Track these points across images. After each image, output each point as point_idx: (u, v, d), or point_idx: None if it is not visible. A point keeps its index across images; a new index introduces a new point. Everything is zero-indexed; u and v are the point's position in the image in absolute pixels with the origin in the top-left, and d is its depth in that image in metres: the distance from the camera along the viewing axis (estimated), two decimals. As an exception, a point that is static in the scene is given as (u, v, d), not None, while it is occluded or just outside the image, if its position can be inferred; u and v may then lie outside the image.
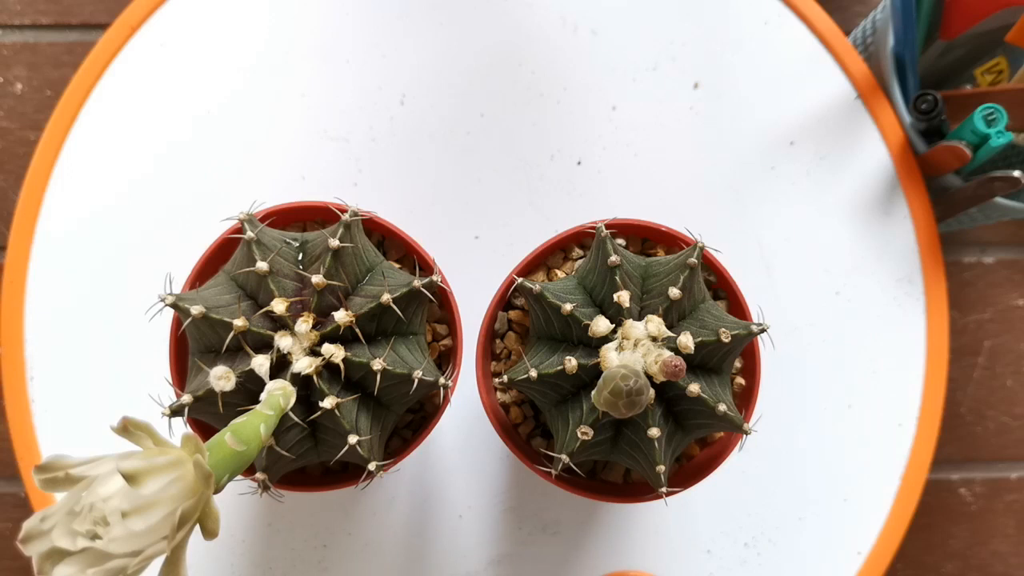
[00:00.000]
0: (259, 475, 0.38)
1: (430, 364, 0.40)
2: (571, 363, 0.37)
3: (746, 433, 0.38)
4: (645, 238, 0.47)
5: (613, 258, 0.38)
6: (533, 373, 0.38)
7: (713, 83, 0.59)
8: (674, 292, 0.38)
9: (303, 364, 0.35)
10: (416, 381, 0.37)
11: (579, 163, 0.58)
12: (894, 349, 0.57)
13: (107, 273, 0.56)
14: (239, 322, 0.35)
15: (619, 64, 0.59)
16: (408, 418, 0.45)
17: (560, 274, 0.46)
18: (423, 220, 0.58)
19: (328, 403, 0.35)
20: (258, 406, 0.33)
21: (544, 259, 0.47)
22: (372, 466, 0.38)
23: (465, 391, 0.54)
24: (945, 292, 0.57)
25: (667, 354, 0.35)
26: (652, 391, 0.36)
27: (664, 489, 0.38)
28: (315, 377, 0.36)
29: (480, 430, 0.55)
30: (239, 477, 0.31)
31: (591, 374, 0.38)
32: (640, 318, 0.38)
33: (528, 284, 0.39)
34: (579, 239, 0.47)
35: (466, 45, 0.59)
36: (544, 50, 0.59)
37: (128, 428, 0.27)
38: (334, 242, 0.37)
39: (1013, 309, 0.74)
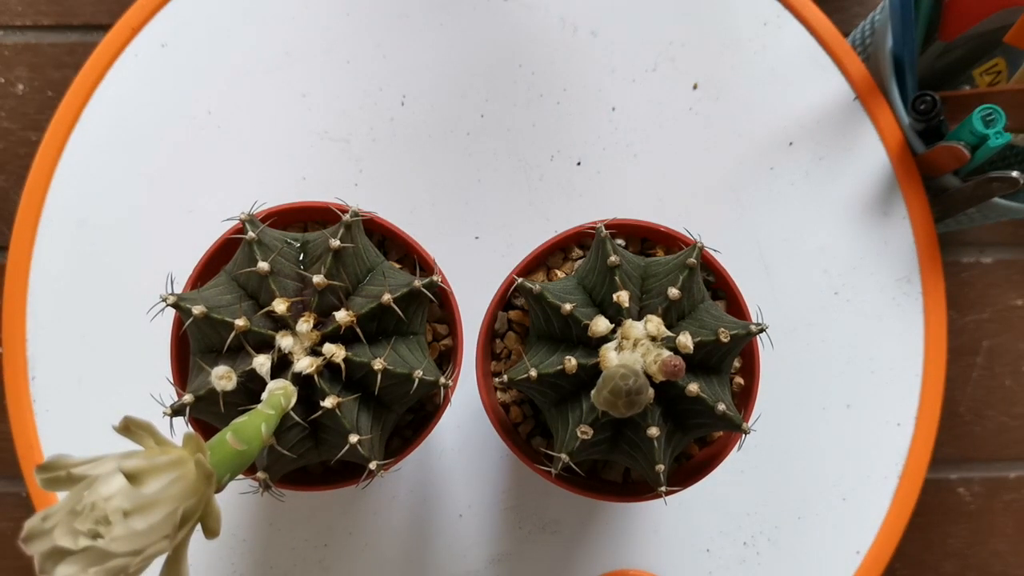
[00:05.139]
0: (260, 474, 0.38)
1: (430, 364, 0.40)
2: (571, 363, 0.37)
3: (745, 432, 0.38)
4: (644, 238, 0.48)
5: (612, 258, 0.38)
6: (533, 373, 0.38)
7: (712, 84, 0.59)
8: (673, 292, 0.38)
9: (304, 364, 0.36)
10: (417, 381, 0.37)
11: (579, 164, 0.59)
12: (893, 349, 0.57)
13: (108, 273, 0.57)
14: (240, 322, 0.36)
15: (619, 65, 0.59)
16: (409, 417, 0.45)
17: (560, 274, 0.46)
18: (423, 220, 0.58)
19: (329, 403, 0.35)
20: (259, 406, 0.33)
21: (544, 259, 0.47)
22: (373, 465, 0.38)
23: (465, 391, 0.54)
24: (943, 292, 0.58)
25: (666, 354, 0.35)
26: (651, 390, 0.36)
27: (663, 488, 0.38)
28: (316, 377, 0.36)
29: (480, 429, 0.55)
30: (240, 476, 0.31)
31: (591, 374, 0.38)
32: (639, 318, 0.38)
33: (528, 284, 0.39)
34: (579, 239, 0.47)
35: (466, 46, 0.59)
36: (544, 51, 0.59)
37: (130, 427, 0.27)
38: (335, 242, 0.37)
39: (1012, 309, 0.75)
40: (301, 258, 0.39)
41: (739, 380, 0.46)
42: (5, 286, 0.56)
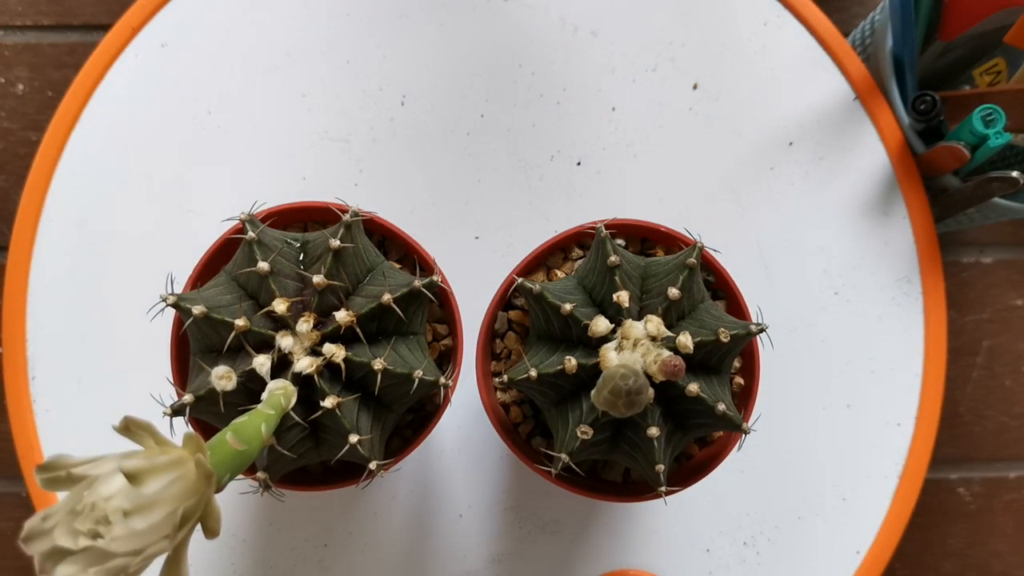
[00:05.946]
0: (260, 474, 0.38)
1: (430, 364, 0.40)
2: (571, 363, 0.37)
3: (745, 432, 0.38)
4: (645, 238, 0.48)
5: (613, 258, 0.38)
6: (533, 373, 0.38)
7: (712, 84, 0.59)
8: (673, 292, 0.38)
9: (304, 364, 0.36)
10: (417, 381, 0.37)
11: (579, 164, 0.59)
12: (893, 349, 0.57)
13: (109, 273, 0.57)
14: (240, 322, 0.36)
15: (619, 65, 0.59)
16: (408, 417, 0.45)
17: (560, 274, 0.46)
18: (423, 220, 0.58)
19: (329, 402, 0.35)
20: (259, 406, 0.33)
21: (544, 259, 0.47)
22: (373, 465, 0.38)
23: (465, 391, 0.54)
24: (943, 292, 0.58)
25: (666, 354, 0.35)
26: (651, 391, 0.36)
27: (663, 488, 0.38)
28: (316, 377, 0.36)
29: (480, 429, 0.55)
30: (240, 476, 0.31)
31: (591, 374, 0.38)
32: (639, 318, 0.38)
33: (528, 284, 0.39)
34: (579, 239, 0.47)
35: (466, 46, 0.59)
36: (544, 51, 0.59)
37: (130, 427, 0.27)
38: (335, 242, 0.37)
39: (1012, 309, 0.75)
40: (301, 258, 0.39)
41: (739, 380, 0.46)
42: (5, 286, 0.56)
